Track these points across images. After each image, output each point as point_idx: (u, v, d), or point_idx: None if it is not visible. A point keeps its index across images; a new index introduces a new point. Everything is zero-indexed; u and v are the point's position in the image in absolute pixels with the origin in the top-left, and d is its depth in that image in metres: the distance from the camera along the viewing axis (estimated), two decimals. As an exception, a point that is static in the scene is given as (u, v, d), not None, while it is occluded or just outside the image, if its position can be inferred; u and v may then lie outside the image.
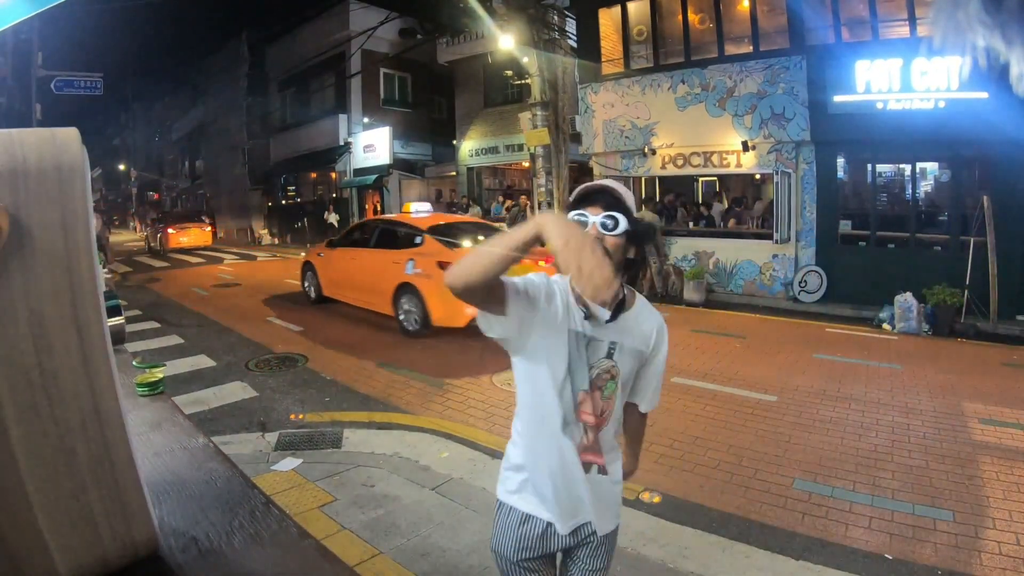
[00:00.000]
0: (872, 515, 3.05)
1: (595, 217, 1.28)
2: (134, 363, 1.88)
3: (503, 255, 1.07)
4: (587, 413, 1.35)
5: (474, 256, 1.10)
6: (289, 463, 3.66)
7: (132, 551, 0.75)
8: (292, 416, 4.53)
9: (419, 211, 8.53)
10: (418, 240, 6.99)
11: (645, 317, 1.42)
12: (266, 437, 4.11)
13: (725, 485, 3.41)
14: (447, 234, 6.99)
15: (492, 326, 1.25)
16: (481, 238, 6.95)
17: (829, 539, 2.85)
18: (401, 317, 6.93)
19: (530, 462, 1.38)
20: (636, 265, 1.36)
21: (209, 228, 20.24)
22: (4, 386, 0.63)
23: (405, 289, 6.81)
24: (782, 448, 3.86)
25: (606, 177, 11.10)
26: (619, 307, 1.34)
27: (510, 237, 1.08)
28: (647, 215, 9.49)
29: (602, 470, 1.39)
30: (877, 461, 3.65)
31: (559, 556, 1.48)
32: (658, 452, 3.81)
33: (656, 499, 3.25)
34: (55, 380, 0.66)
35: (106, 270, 9.77)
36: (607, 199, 1.30)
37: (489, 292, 1.17)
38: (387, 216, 9.59)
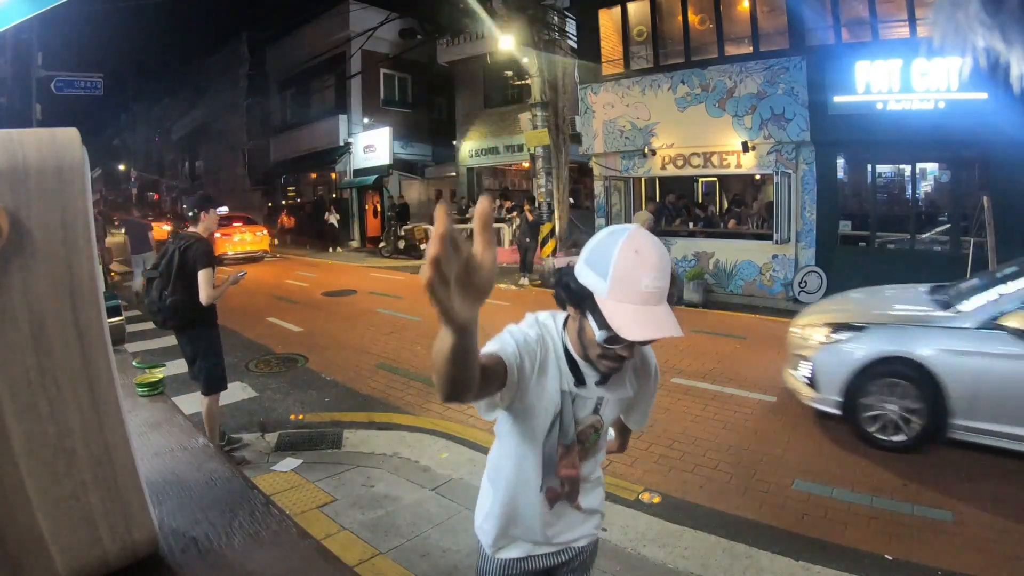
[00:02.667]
0: (872, 515, 3.05)
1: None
2: (134, 363, 1.88)
3: (447, 356, 0.83)
4: (567, 467, 1.29)
5: (436, 374, 0.89)
6: (289, 463, 3.66)
7: (132, 551, 0.75)
8: (292, 416, 4.53)
9: (220, 210, 14.84)
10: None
11: (638, 363, 1.32)
12: (266, 437, 4.11)
13: (725, 486, 3.41)
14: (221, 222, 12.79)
15: (492, 410, 1.17)
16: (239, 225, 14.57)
17: (829, 539, 2.85)
18: None
19: (500, 507, 1.35)
20: None
21: (168, 227, 25.37)
22: (4, 386, 0.63)
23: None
24: (782, 448, 3.86)
25: (606, 178, 11.09)
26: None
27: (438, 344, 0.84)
28: (644, 216, 9.50)
29: (575, 506, 1.35)
30: (877, 462, 3.65)
31: None
32: (658, 453, 3.81)
33: (656, 500, 3.25)
34: (55, 380, 0.66)
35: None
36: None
37: (486, 382, 1.03)
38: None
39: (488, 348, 1.15)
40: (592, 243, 1.13)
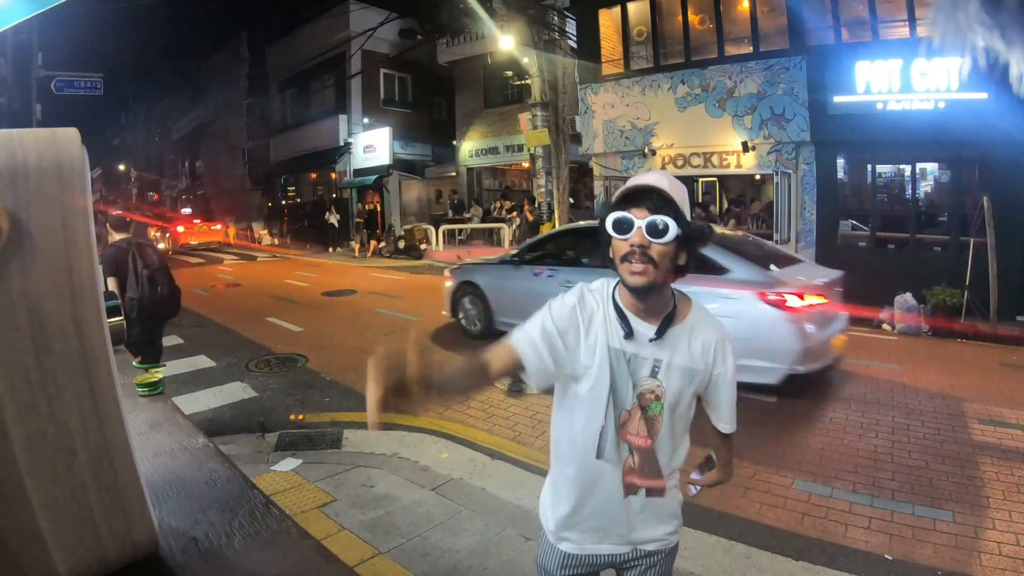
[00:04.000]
0: (872, 515, 3.05)
1: (640, 220, 1.14)
2: (134, 363, 1.88)
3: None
4: (631, 434, 1.26)
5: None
6: (289, 463, 3.66)
7: (132, 551, 0.75)
8: (292, 416, 4.53)
9: (184, 211, 21.22)
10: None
11: (701, 329, 1.27)
12: (266, 438, 4.11)
13: (725, 486, 3.40)
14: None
15: (533, 385, 1.26)
16: (199, 223, 20.54)
17: (829, 539, 2.85)
18: None
19: (564, 482, 1.33)
20: (686, 270, 1.22)
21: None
22: (4, 386, 0.63)
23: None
24: (782, 448, 3.86)
25: (606, 178, 11.11)
26: (667, 321, 1.23)
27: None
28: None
29: (656, 492, 1.30)
30: (877, 461, 3.65)
31: (612, 572, 1.43)
32: (658, 452, 3.81)
33: (656, 499, 3.24)
34: (55, 380, 0.66)
35: None
36: (655, 200, 1.15)
37: (488, 378, 1.22)
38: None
39: (511, 338, 1.24)
40: None
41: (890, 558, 2.69)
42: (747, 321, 4.39)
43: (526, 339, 1.21)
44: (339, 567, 0.84)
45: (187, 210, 24.17)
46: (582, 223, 6.92)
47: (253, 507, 0.96)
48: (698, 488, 1.50)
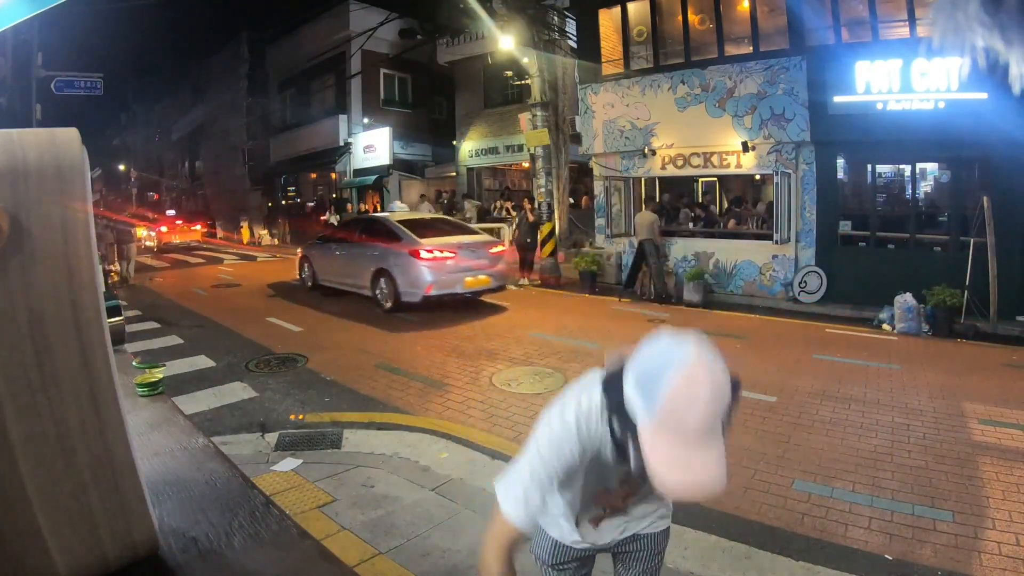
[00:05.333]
0: (872, 516, 3.05)
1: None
2: (134, 363, 1.88)
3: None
4: (608, 500, 1.32)
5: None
6: (289, 463, 3.65)
7: (132, 551, 0.75)
8: (292, 416, 4.53)
9: (168, 213, 23.34)
10: None
11: None
12: (266, 437, 4.11)
13: (727, 485, 3.40)
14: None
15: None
16: (180, 223, 23.04)
17: (829, 540, 2.85)
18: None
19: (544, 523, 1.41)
20: None
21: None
22: (4, 386, 0.63)
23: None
24: (782, 448, 3.86)
25: (606, 178, 11.09)
26: None
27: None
28: (647, 215, 9.49)
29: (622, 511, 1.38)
30: (877, 462, 3.65)
31: (608, 556, 1.49)
32: (658, 452, 3.80)
33: (656, 499, 3.24)
34: (55, 381, 0.66)
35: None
36: None
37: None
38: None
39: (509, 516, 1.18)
40: (647, 357, 0.99)
41: (890, 558, 2.69)
42: (404, 266, 7.69)
43: (526, 517, 1.17)
44: (339, 567, 0.84)
45: (171, 212, 27.19)
46: (358, 216, 11.89)
47: (253, 507, 0.96)
48: None
